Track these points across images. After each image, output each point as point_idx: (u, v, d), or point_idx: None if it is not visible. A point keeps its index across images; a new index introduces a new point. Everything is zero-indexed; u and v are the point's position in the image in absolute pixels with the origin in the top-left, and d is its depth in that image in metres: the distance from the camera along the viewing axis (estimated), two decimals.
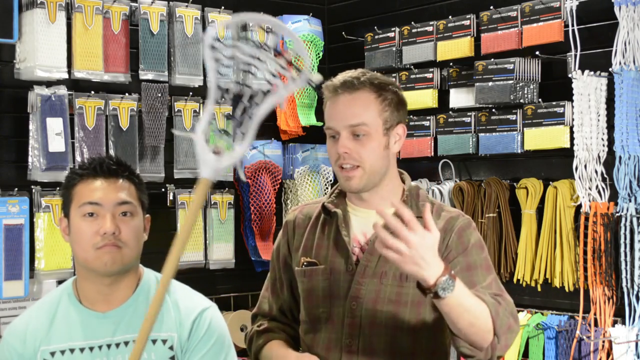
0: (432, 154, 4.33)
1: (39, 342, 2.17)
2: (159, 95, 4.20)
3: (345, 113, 2.28)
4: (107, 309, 2.19)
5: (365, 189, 2.32)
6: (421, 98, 4.34)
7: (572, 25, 3.71)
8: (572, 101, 3.72)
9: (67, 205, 2.21)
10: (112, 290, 2.19)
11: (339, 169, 2.31)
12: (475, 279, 2.25)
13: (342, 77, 2.33)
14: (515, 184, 3.97)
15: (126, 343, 2.18)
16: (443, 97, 4.33)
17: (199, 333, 2.23)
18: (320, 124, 4.65)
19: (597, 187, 3.66)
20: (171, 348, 2.20)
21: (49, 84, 3.88)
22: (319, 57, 4.71)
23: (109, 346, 2.16)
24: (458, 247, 2.29)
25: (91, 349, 2.16)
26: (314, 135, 4.69)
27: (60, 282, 3.73)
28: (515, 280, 3.92)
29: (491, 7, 4.06)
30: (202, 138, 1.82)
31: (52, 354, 2.16)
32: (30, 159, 3.86)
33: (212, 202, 4.40)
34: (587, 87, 3.65)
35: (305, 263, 2.38)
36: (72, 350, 2.16)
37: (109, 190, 2.16)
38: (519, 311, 3.88)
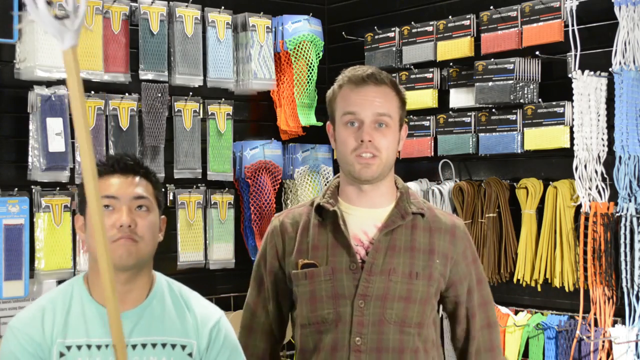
0: (432, 154, 4.33)
1: (55, 334, 2.13)
2: (159, 95, 4.20)
3: (374, 102, 2.34)
4: (122, 310, 2.18)
5: (378, 179, 2.36)
6: (421, 98, 4.34)
7: (572, 25, 3.71)
8: (572, 101, 3.72)
9: (84, 203, 2.19)
10: (126, 289, 2.18)
11: (355, 157, 2.33)
12: (485, 293, 2.46)
13: (363, 70, 2.39)
14: (515, 184, 3.97)
15: (144, 345, 2.16)
16: (443, 97, 4.33)
17: (218, 344, 2.23)
18: (320, 124, 4.65)
19: (597, 187, 3.66)
20: (190, 355, 2.20)
21: (49, 84, 3.88)
22: (319, 57, 4.71)
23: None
24: (470, 257, 2.44)
25: (107, 346, 2.14)
26: (314, 135, 4.69)
27: (60, 282, 3.73)
28: (515, 280, 3.92)
29: (491, 7, 4.06)
30: (45, 14, 1.77)
31: (69, 347, 2.13)
32: (30, 159, 3.86)
33: (212, 202, 4.40)
34: (587, 87, 3.65)
35: (303, 265, 2.37)
36: (89, 346, 2.14)
37: (126, 185, 2.17)
38: (519, 311, 3.89)
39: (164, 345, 2.19)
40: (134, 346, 2.16)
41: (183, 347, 2.20)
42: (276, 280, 2.45)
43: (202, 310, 2.26)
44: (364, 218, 2.38)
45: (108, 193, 2.15)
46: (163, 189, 4.24)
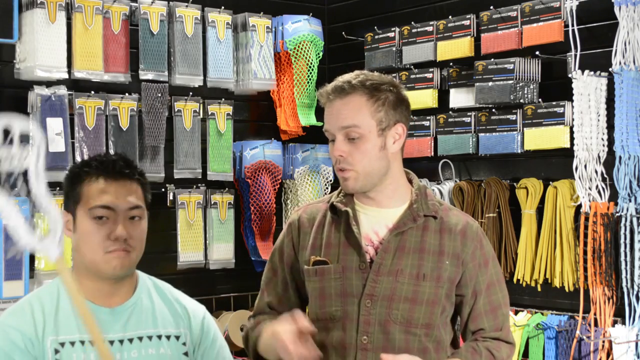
0: (432, 154, 4.33)
1: (47, 330, 2.12)
2: (159, 95, 4.20)
3: (338, 116, 2.33)
4: (111, 305, 2.19)
5: (364, 190, 2.36)
6: (421, 98, 4.34)
7: (572, 25, 3.71)
8: (572, 101, 3.72)
9: (72, 202, 2.18)
10: (115, 288, 2.20)
11: (338, 172, 2.37)
12: (494, 298, 2.40)
13: (334, 82, 2.38)
14: (515, 184, 3.97)
15: (140, 338, 2.19)
16: (443, 97, 4.33)
17: (209, 335, 2.30)
18: (320, 124, 4.65)
19: (597, 187, 3.66)
20: (184, 344, 2.25)
21: (49, 84, 3.88)
22: (319, 57, 4.71)
23: (121, 341, 2.17)
24: (480, 259, 2.40)
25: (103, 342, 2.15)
26: (314, 135, 4.69)
27: None
28: (515, 280, 3.92)
29: (491, 7, 4.06)
30: (29, 237, 1.83)
31: (62, 344, 2.12)
32: None
33: (212, 202, 4.40)
34: (587, 87, 3.66)
35: (315, 262, 2.39)
36: (82, 342, 2.13)
37: (120, 194, 2.14)
38: (519, 311, 3.90)
39: (159, 337, 2.22)
40: (130, 340, 2.18)
41: (177, 337, 2.24)
42: (293, 272, 2.47)
43: (190, 303, 2.32)
44: (377, 218, 2.38)
45: (103, 203, 2.13)
46: (163, 189, 4.27)
